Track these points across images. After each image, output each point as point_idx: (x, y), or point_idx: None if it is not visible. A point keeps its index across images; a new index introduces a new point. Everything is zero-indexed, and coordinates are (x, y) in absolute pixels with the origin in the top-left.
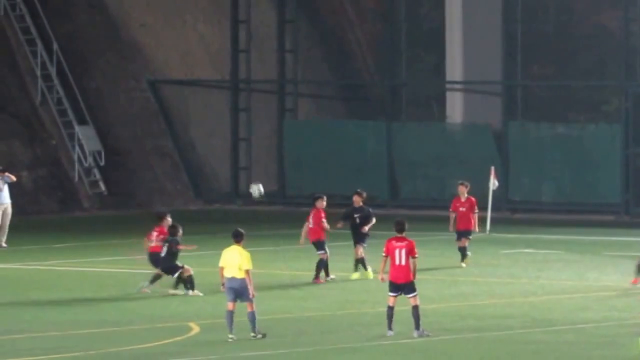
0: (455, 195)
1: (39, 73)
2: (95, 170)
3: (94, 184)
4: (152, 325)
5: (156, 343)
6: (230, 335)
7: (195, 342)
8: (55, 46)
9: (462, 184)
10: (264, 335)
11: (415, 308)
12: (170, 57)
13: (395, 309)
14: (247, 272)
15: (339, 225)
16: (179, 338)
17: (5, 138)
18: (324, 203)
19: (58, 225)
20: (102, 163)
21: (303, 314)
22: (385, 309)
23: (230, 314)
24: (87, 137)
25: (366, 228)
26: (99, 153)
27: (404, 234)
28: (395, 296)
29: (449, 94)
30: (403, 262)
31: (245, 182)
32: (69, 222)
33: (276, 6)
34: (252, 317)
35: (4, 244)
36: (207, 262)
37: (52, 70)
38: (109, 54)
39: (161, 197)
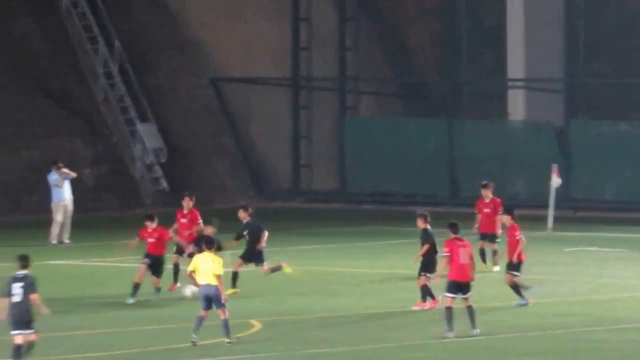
0: (480, 197)
1: (100, 71)
2: (157, 167)
3: (156, 181)
4: (213, 322)
5: (217, 340)
6: (194, 336)
7: (256, 339)
8: (116, 44)
9: (485, 185)
10: (238, 339)
11: (470, 307)
12: (231, 55)
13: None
14: (218, 277)
15: (232, 243)
16: (240, 335)
17: (67, 135)
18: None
19: (119, 222)
20: (164, 160)
21: (363, 311)
22: (443, 310)
23: (202, 319)
24: (148, 134)
25: (262, 244)
26: (161, 150)
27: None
28: (454, 297)
29: (510, 92)
30: (468, 261)
31: (307, 179)
32: (131, 219)
33: (337, 4)
34: (226, 324)
35: (66, 240)
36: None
37: (114, 68)
38: (170, 51)
39: (222, 195)
